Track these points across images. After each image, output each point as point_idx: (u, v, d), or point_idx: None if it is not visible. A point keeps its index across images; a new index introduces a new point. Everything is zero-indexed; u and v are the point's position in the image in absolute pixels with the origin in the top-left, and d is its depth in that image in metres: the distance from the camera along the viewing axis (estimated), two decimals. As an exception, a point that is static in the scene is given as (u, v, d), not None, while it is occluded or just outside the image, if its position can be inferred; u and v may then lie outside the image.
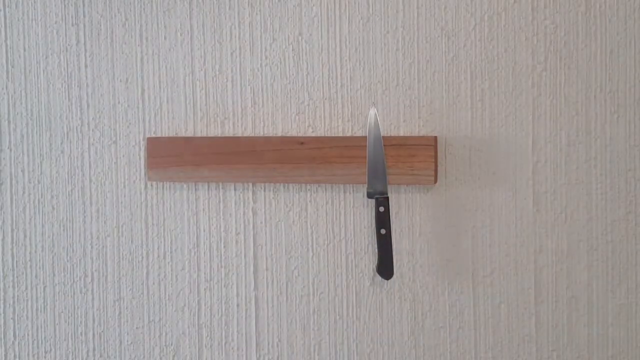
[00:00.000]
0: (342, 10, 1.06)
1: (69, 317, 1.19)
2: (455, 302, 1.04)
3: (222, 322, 1.13)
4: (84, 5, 1.16)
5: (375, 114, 1.03)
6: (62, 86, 1.17)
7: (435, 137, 1.02)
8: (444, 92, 1.03)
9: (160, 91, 1.14)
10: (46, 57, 1.17)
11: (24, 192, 1.19)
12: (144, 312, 1.16)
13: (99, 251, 1.17)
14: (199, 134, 1.12)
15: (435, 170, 1.02)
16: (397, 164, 1.02)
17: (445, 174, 1.03)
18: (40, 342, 1.20)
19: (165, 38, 1.13)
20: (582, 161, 0.99)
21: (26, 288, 1.20)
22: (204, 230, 1.13)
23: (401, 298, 1.06)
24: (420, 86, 1.04)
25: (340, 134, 1.07)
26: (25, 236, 1.20)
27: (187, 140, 1.11)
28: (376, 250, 1.04)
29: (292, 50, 1.08)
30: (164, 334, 1.16)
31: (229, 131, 1.11)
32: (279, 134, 1.09)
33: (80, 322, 1.19)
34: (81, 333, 1.19)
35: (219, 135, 1.11)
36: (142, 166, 1.15)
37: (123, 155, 1.16)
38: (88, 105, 1.16)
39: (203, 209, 1.13)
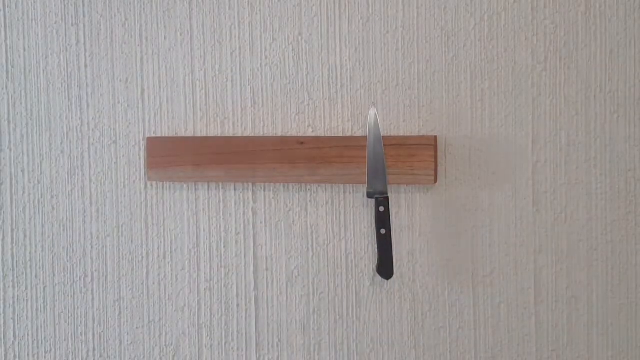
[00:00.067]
0: (342, 10, 1.06)
1: (69, 317, 1.19)
2: (455, 302, 1.04)
3: (222, 322, 1.13)
4: (84, 5, 1.16)
5: (375, 114, 1.03)
6: (62, 86, 1.17)
7: (435, 137, 1.02)
8: (444, 92, 1.03)
9: (160, 91, 1.14)
10: (46, 57, 1.17)
11: (24, 192, 1.19)
12: (144, 312, 1.16)
13: (99, 251, 1.17)
14: (199, 134, 1.12)
15: (435, 170, 1.02)
16: (397, 163, 1.02)
17: (445, 174, 1.03)
18: (40, 342, 1.20)
19: (165, 38, 1.13)
20: (582, 161, 0.99)
21: (26, 288, 1.20)
22: (204, 230, 1.13)
23: (401, 298, 1.06)
24: (420, 86, 1.04)
25: (340, 134, 1.07)
26: (25, 236, 1.20)
27: (187, 140, 1.11)
28: (376, 250, 1.04)
29: (292, 50, 1.08)
30: (164, 334, 1.16)
31: (229, 131, 1.11)
32: (279, 134, 1.09)
33: (80, 322, 1.19)
34: (81, 333, 1.19)
35: (219, 135, 1.11)
36: (142, 166, 1.15)
37: (123, 155, 1.16)
38: (88, 105, 1.16)
39: (203, 209, 1.13)
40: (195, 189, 1.13)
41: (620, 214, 0.99)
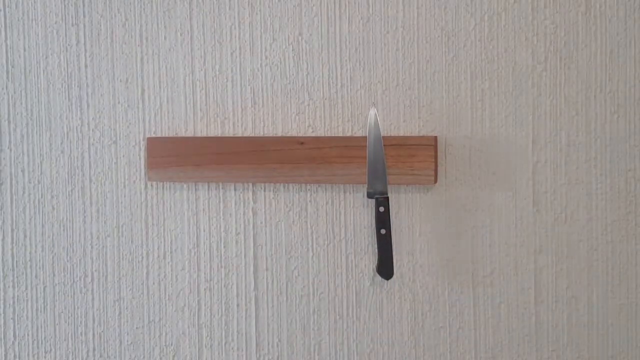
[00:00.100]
0: (342, 10, 1.06)
1: (69, 317, 1.19)
2: (455, 302, 1.04)
3: (222, 322, 1.13)
4: (84, 5, 1.16)
5: (375, 114, 1.03)
6: (62, 86, 1.17)
7: (435, 137, 1.02)
8: (444, 92, 1.03)
9: (160, 91, 1.14)
10: (46, 57, 1.17)
11: (24, 192, 1.19)
12: (144, 312, 1.16)
13: (99, 251, 1.17)
14: (199, 134, 1.12)
15: (435, 170, 1.02)
16: (397, 164, 1.02)
17: (445, 174, 1.03)
18: (40, 342, 1.20)
19: (165, 38, 1.13)
20: (582, 161, 0.99)
21: (26, 288, 1.20)
22: (204, 230, 1.13)
23: (401, 298, 1.06)
24: (420, 86, 1.04)
25: (340, 134, 1.07)
26: (25, 236, 1.20)
27: (187, 140, 1.11)
28: (376, 250, 1.04)
29: (292, 50, 1.08)
30: (164, 334, 1.16)
31: (229, 131, 1.11)
32: (279, 134, 1.09)
33: (80, 322, 1.19)
34: (81, 333, 1.19)
35: (219, 135, 1.11)
36: (142, 166, 1.15)
37: (123, 155, 1.16)
38: (88, 105, 1.16)
39: (203, 209, 1.13)
40: (195, 189, 1.13)
41: (620, 214, 0.99)
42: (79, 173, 1.17)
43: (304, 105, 1.08)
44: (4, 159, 1.20)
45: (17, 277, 1.21)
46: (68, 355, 1.19)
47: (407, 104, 1.04)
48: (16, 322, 1.21)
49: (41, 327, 1.20)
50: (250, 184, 1.11)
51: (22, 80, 1.18)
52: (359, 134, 1.06)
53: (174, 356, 1.15)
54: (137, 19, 1.14)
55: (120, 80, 1.15)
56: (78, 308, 1.19)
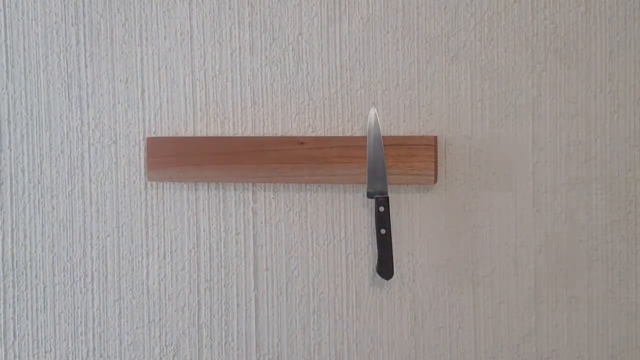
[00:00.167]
0: (342, 10, 1.06)
1: (69, 317, 1.19)
2: (455, 302, 1.04)
3: (222, 322, 1.13)
4: (84, 5, 1.16)
5: (375, 114, 1.03)
6: (62, 86, 1.17)
7: (435, 137, 1.02)
8: (444, 92, 1.03)
9: (160, 91, 1.14)
10: (46, 57, 1.17)
11: (24, 192, 1.19)
12: (144, 312, 1.16)
13: (99, 251, 1.17)
14: (199, 134, 1.12)
15: (435, 170, 1.02)
16: (397, 164, 1.02)
17: (445, 174, 1.03)
18: (40, 342, 1.20)
19: (165, 38, 1.13)
20: (582, 161, 0.99)
21: (26, 288, 1.20)
22: (204, 230, 1.13)
23: (401, 298, 1.06)
24: (420, 86, 1.04)
25: (340, 134, 1.07)
26: (25, 236, 1.20)
27: (187, 140, 1.11)
28: (376, 250, 1.04)
29: (292, 50, 1.08)
30: (164, 334, 1.16)
31: (229, 131, 1.11)
32: (279, 134, 1.09)
33: (80, 322, 1.19)
34: (81, 333, 1.19)
35: (219, 135, 1.11)
36: (142, 166, 1.15)
37: (123, 155, 1.16)
38: (88, 105, 1.16)
39: (203, 209, 1.13)
40: (195, 189, 1.13)
41: (620, 214, 0.99)
42: (79, 173, 1.17)
43: (304, 105, 1.08)
44: (4, 159, 1.20)
45: (17, 277, 1.21)
46: (68, 355, 1.19)
47: (407, 104, 1.04)
48: (16, 322, 1.21)
49: (41, 327, 1.20)
50: (250, 184, 1.11)
51: (22, 80, 1.18)
52: (359, 134, 1.06)
53: (174, 356, 1.15)
54: (137, 19, 1.14)
55: (120, 80, 1.15)
56: (78, 308, 1.19)
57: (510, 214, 1.02)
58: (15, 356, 1.21)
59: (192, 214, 1.13)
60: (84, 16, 1.16)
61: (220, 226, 1.12)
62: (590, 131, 0.99)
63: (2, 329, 1.22)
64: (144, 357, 1.17)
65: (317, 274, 1.09)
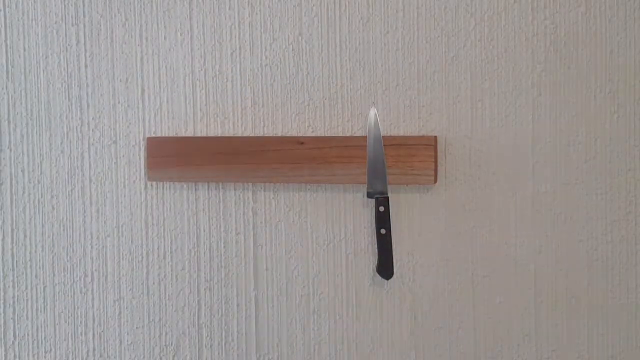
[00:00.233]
0: (342, 10, 1.06)
1: (69, 317, 1.19)
2: (455, 302, 1.04)
3: (222, 322, 1.13)
4: (84, 5, 1.16)
5: (375, 114, 1.03)
6: (62, 86, 1.17)
7: (435, 137, 1.02)
8: (444, 92, 1.03)
9: (160, 91, 1.14)
10: (46, 57, 1.17)
11: (24, 192, 1.19)
12: (144, 312, 1.16)
13: (99, 251, 1.17)
14: (199, 134, 1.12)
15: (435, 170, 1.02)
16: (397, 163, 1.02)
17: (445, 174, 1.03)
18: (40, 342, 1.20)
19: (165, 38, 1.13)
20: (582, 161, 0.99)
21: (26, 288, 1.20)
22: (204, 230, 1.13)
23: (401, 298, 1.06)
24: (420, 86, 1.04)
25: (340, 134, 1.07)
26: (25, 236, 1.20)
27: (187, 140, 1.11)
28: (376, 250, 1.04)
29: (292, 50, 1.08)
30: (164, 334, 1.16)
31: (229, 131, 1.11)
32: (279, 134, 1.09)
33: (80, 322, 1.19)
34: (81, 333, 1.19)
35: (219, 135, 1.11)
36: (142, 166, 1.15)
37: (123, 155, 1.16)
38: (88, 105, 1.16)
39: (203, 209, 1.13)
40: (195, 189, 1.13)
41: (620, 214, 0.99)
42: (79, 173, 1.17)
43: (304, 105, 1.08)
44: (4, 159, 1.20)
45: (17, 277, 1.21)
46: (68, 355, 1.19)
47: (407, 104, 1.04)
48: (16, 322, 1.21)
49: (41, 327, 1.20)
50: (250, 184, 1.11)
51: (22, 80, 1.18)
52: (359, 134, 1.06)
53: (174, 356, 1.15)
54: (137, 19, 1.14)
55: (120, 80, 1.15)
56: (78, 308, 1.19)
57: (510, 214, 1.02)
58: (15, 356, 1.21)
59: (192, 214, 1.13)
60: (84, 16, 1.16)
61: (220, 226, 1.12)
62: (590, 131, 0.99)
63: (2, 329, 1.22)
64: (144, 357, 1.17)
65: (317, 274, 1.09)
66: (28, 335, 1.21)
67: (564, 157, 1.00)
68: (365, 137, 1.03)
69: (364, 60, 1.05)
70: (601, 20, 0.98)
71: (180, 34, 1.12)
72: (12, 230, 1.20)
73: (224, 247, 1.12)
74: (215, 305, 1.13)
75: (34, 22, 1.18)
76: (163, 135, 1.14)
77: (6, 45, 1.19)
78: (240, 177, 1.08)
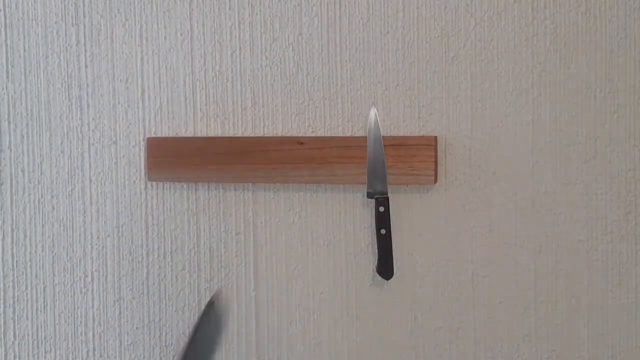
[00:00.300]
0: (342, 10, 1.06)
1: (69, 317, 1.19)
2: (455, 302, 1.04)
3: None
4: (84, 5, 1.16)
5: (375, 114, 1.03)
6: (62, 86, 1.17)
7: (435, 137, 1.02)
8: (444, 92, 1.03)
9: (160, 91, 1.14)
10: (46, 57, 1.17)
11: (24, 192, 1.19)
12: (144, 312, 1.16)
13: (99, 251, 1.17)
14: (199, 134, 1.12)
15: (435, 170, 1.02)
16: (397, 164, 1.02)
17: (445, 174, 1.03)
18: (40, 342, 1.20)
19: (165, 38, 1.13)
20: (582, 161, 0.99)
21: (26, 288, 1.20)
22: (204, 230, 1.13)
23: (401, 298, 1.06)
24: (420, 86, 1.04)
25: (340, 134, 1.07)
26: (25, 236, 1.20)
27: (187, 140, 1.11)
28: (376, 250, 1.04)
29: (292, 50, 1.08)
30: (164, 334, 1.16)
31: (229, 131, 1.11)
32: (279, 134, 1.09)
33: (80, 322, 1.19)
34: (81, 333, 1.19)
35: (219, 135, 1.11)
36: (142, 166, 1.15)
37: (123, 155, 1.16)
38: (88, 105, 1.16)
39: (203, 209, 1.13)
40: (195, 189, 1.13)
41: (620, 214, 0.99)
42: (79, 173, 1.17)
43: (304, 105, 1.08)
44: (4, 159, 1.20)
45: (17, 277, 1.21)
46: (68, 355, 1.19)
47: (407, 104, 1.04)
48: (16, 322, 1.21)
49: (41, 327, 1.20)
50: (250, 184, 1.11)
51: (22, 80, 1.18)
52: (359, 134, 1.06)
53: (174, 356, 1.15)
54: (137, 19, 1.14)
55: (120, 80, 1.15)
56: (78, 308, 1.19)
57: (510, 214, 1.02)
58: (15, 356, 1.21)
59: (192, 214, 1.13)
60: (84, 16, 1.16)
61: (220, 226, 1.12)
62: (590, 131, 0.99)
63: (2, 329, 1.22)
64: (144, 357, 1.17)
65: (317, 274, 1.09)
66: (28, 335, 1.21)
67: (564, 157, 1.00)
68: (365, 137, 1.03)
69: (364, 60, 1.05)
70: (601, 20, 0.98)
71: (180, 34, 1.12)
72: (12, 230, 1.20)
73: (224, 247, 1.12)
74: (215, 305, 1.13)
75: (34, 22, 1.18)
76: (163, 135, 1.14)
77: (6, 45, 1.19)
78: (240, 177, 1.08)
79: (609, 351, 1.00)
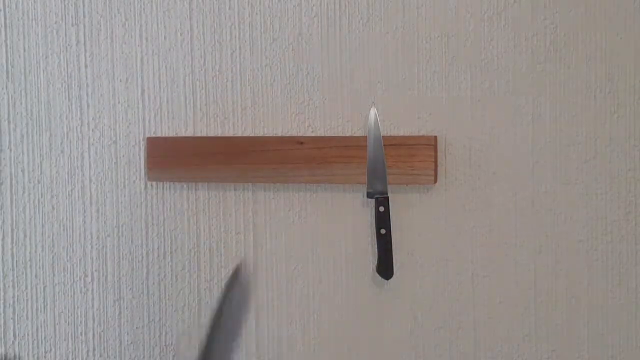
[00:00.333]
0: (342, 10, 1.06)
1: (69, 317, 1.19)
2: (455, 302, 1.04)
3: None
4: (84, 5, 1.16)
5: (375, 114, 1.03)
6: (62, 86, 1.17)
7: (435, 137, 1.02)
8: (444, 92, 1.03)
9: (160, 91, 1.14)
10: (46, 57, 1.17)
11: (24, 192, 1.19)
12: (144, 312, 1.16)
13: (99, 251, 1.17)
14: (199, 134, 1.12)
15: (435, 170, 1.02)
16: (397, 163, 1.02)
17: (445, 174, 1.03)
18: (40, 342, 1.20)
19: (165, 38, 1.13)
20: (582, 161, 0.99)
21: (26, 288, 1.20)
22: (204, 230, 1.13)
23: (401, 298, 1.06)
24: (420, 86, 1.04)
25: (340, 134, 1.07)
26: (25, 236, 1.20)
27: (187, 140, 1.11)
28: (376, 250, 1.04)
29: (292, 50, 1.08)
30: (164, 334, 1.16)
31: (229, 131, 1.11)
32: (279, 134, 1.09)
33: (80, 322, 1.19)
34: (81, 333, 1.19)
35: (219, 135, 1.11)
36: (142, 166, 1.15)
37: (123, 155, 1.16)
38: (88, 105, 1.16)
39: (203, 209, 1.13)
40: (195, 189, 1.13)
41: (620, 214, 0.99)
42: (79, 173, 1.17)
43: (304, 105, 1.08)
44: (4, 159, 1.20)
45: (17, 277, 1.21)
46: (68, 355, 1.19)
47: (407, 104, 1.04)
48: (16, 322, 1.21)
49: (41, 327, 1.20)
50: (250, 184, 1.11)
51: (22, 80, 1.18)
52: (359, 134, 1.06)
53: (174, 356, 1.15)
54: (137, 19, 1.14)
55: (120, 80, 1.15)
56: (78, 308, 1.19)
57: (510, 214, 1.02)
58: (15, 356, 1.21)
59: (192, 214, 1.13)
60: (84, 16, 1.16)
61: (220, 226, 1.12)
62: (590, 131, 0.99)
63: (2, 329, 1.22)
64: (144, 357, 1.17)
65: (317, 274, 1.09)
66: (28, 335, 1.21)
67: (564, 157, 1.00)
68: (365, 137, 1.03)
69: (364, 60, 1.05)
70: (601, 20, 0.98)
71: (180, 34, 1.12)
72: (12, 230, 1.20)
73: (224, 247, 1.12)
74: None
75: (34, 22, 1.18)
76: (163, 135, 1.14)
77: (6, 45, 1.19)
78: (240, 177, 1.08)
79: (609, 351, 1.00)
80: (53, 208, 1.18)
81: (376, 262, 1.05)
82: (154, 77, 1.14)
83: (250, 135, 1.10)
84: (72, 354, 1.19)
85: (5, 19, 1.19)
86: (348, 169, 1.04)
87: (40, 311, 1.20)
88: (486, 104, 1.02)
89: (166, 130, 1.13)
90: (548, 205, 1.01)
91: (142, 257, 1.16)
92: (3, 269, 1.21)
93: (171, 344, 1.15)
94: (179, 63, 1.12)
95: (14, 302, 1.21)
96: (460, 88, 1.02)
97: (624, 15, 0.97)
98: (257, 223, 1.11)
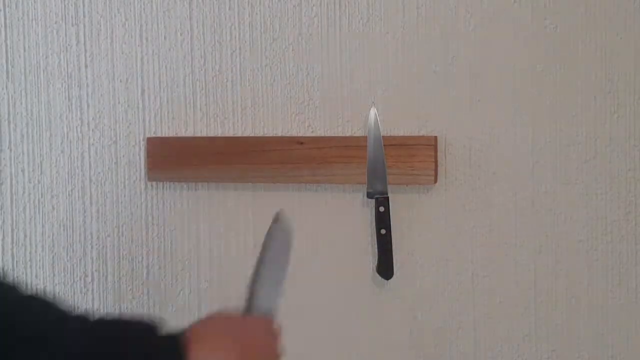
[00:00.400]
0: (342, 10, 1.06)
1: (69, 317, 1.19)
2: (455, 302, 1.04)
3: (222, 322, 1.13)
4: (84, 5, 1.16)
5: (375, 114, 1.03)
6: (62, 86, 1.17)
7: (435, 137, 1.02)
8: (444, 92, 1.03)
9: (160, 91, 1.14)
10: (46, 57, 1.17)
11: (24, 192, 1.19)
12: (144, 312, 1.16)
13: (99, 251, 1.17)
14: (199, 134, 1.12)
15: (435, 170, 1.02)
16: (397, 164, 1.02)
17: (445, 174, 1.03)
18: (40, 342, 1.20)
19: (165, 38, 1.13)
20: (582, 161, 0.99)
21: (26, 288, 1.20)
22: (204, 230, 1.13)
23: (401, 298, 1.06)
24: (420, 86, 1.04)
25: (340, 134, 1.07)
26: (25, 236, 1.20)
27: (187, 140, 1.11)
28: (376, 250, 1.04)
29: (292, 50, 1.08)
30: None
31: (229, 131, 1.11)
32: (279, 134, 1.09)
33: (80, 322, 1.18)
34: (81, 333, 1.19)
35: (219, 135, 1.11)
36: (142, 166, 1.15)
37: (123, 155, 1.16)
38: (88, 105, 1.16)
39: (203, 209, 1.13)
40: (195, 189, 1.13)
41: (620, 214, 0.99)
42: (79, 173, 1.17)
43: (304, 105, 1.08)
44: (4, 159, 1.20)
45: (17, 277, 1.20)
46: (68, 355, 1.19)
47: (407, 103, 1.04)
48: (16, 322, 1.21)
49: (41, 327, 1.20)
50: (250, 184, 1.11)
51: (22, 80, 1.18)
52: (359, 134, 1.06)
53: (174, 356, 1.15)
54: (137, 19, 1.14)
55: (120, 81, 1.15)
56: (78, 308, 1.18)
57: (510, 214, 1.02)
58: (15, 356, 1.21)
59: (192, 214, 1.13)
60: (84, 16, 1.16)
61: (220, 226, 1.12)
62: (590, 131, 0.99)
63: (2, 329, 1.21)
64: (144, 357, 1.16)
65: (317, 274, 1.09)
66: (28, 335, 1.21)
67: (564, 157, 1.00)
68: (365, 137, 1.03)
69: (364, 60, 1.05)
70: (601, 20, 0.98)
71: (180, 34, 1.12)
72: (12, 230, 1.20)
73: (224, 247, 1.12)
74: (215, 306, 1.13)
75: (34, 22, 1.18)
76: (163, 135, 1.14)
77: (6, 45, 1.19)
78: (240, 177, 1.08)
79: (609, 351, 1.00)
80: (53, 208, 1.18)
81: (376, 262, 1.05)
82: (154, 77, 1.14)
83: (250, 135, 1.10)
84: (72, 354, 1.19)
85: (5, 19, 1.19)
86: (348, 169, 1.04)
87: (40, 311, 1.20)
88: (486, 104, 1.02)
89: (166, 131, 1.13)
90: (548, 205, 1.01)
91: (142, 257, 1.16)
92: (3, 269, 1.21)
93: (171, 344, 1.15)
94: (179, 63, 1.12)
95: (14, 302, 1.21)
96: (460, 88, 1.02)
97: (624, 15, 0.97)
98: (257, 223, 1.11)
